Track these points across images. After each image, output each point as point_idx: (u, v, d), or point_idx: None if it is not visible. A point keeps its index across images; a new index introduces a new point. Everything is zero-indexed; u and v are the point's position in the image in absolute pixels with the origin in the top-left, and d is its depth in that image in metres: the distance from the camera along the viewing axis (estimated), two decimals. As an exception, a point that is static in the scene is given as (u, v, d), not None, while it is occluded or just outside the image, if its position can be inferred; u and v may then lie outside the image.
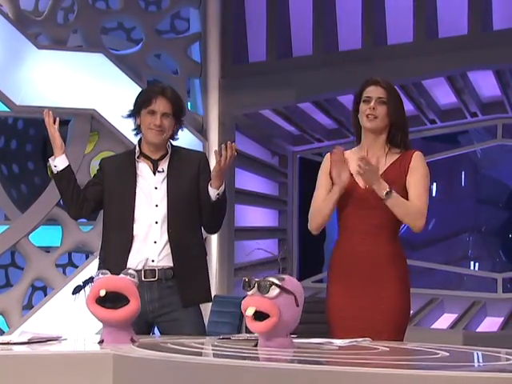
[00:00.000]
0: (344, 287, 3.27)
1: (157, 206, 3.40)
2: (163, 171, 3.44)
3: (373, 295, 3.22)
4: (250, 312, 2.44)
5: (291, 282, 2.50)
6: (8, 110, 6.43)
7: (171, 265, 3.37)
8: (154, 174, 3.44)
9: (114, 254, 3.37)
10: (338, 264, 3.32)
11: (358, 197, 3.26)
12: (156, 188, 3.42)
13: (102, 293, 2.71)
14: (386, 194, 3.17)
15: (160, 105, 3.40)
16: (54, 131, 3.44)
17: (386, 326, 3.19)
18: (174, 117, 3.44)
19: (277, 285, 2.44)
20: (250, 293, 2.48)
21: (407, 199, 3.25)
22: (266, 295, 2.44)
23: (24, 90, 6.37)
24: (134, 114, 3.47)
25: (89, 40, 6.72)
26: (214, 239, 6.79)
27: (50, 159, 3.45)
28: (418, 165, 3.28)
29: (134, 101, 3.50)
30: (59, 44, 6.59)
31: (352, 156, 3.35)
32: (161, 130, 3.40)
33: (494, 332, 6.74)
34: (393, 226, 3.27)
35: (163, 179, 3.43)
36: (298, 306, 2.48)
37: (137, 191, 3.40)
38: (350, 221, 3.29)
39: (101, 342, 2.75)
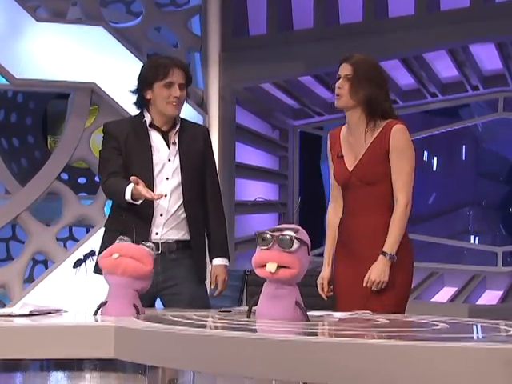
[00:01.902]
0: (347, 261, 3.31)
1: (167, 179, 3.38)
2: (175, 143, 3.41)
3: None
4: (272, 268, 2.41)
5: (303, 232, 2.51)
6: (7, 83, 6.40)
7: (175, 238, 3.37)
8: (168, 146, 3.40)
9: (135, 228, 3.25)
10: (341, 239, 3.38)
11: (345, 178, 3.31)
12: (169, 160, 3.39)
13: (116, 255, 2.72)
14: (390, 256, 3.20)
15: (177, 76, 3.36)
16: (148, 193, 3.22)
17: (386, 299, 3.21)
18: (186, 87, 3.43)
19: (297, 239, 2.44)
20: (265, 247, 2.46)
21: (389, 172, 3.24)
22: (288, 250, 2.44)
23: (23, 62, 6.34)
24: (145, 87, 3.39)
25: (88, 13, 6.68)
26: (214, 213, 6.79)
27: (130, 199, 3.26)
28: (397, 143, 3.22)
29: (141, 74, 3.41)
30: (58, 17, 6.55)
31: (344, 135, 3.35)
32: (180, 103, 3.37)
33: (494, 305, 6.78)
34: (384, 202, 3.27)
35: (176, 152, 3.40)
36: (309, 254, 2.51)
37: (153, 164, 3.37)
38: (345, 201, 3.37)
39: (104, 303, 2.76)
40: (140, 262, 2.77)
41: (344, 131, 3.37)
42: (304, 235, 2.50)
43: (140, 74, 3.43)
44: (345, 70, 3.27)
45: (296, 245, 2.43)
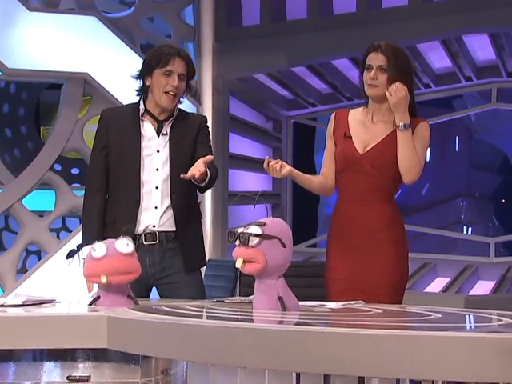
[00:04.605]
0: (342, 250, 3.27)
1: (157, 169, 3.35)
2: (166, 134, 3.37)
3: (370, 259, 3.22)
4: (238, 264, 2.51)
5: (273, 225, 2.52)
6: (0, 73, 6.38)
7: (173, 229, 3.35)
8: (158, 135, 3.38)
9: (123, 219, 3.28)
10: (336, 227, 3.33)
11: (353, 161, 3.26)
12: (158, 151, 3.36)
13: (104, 280, 2.70)
14: (404, 125, 3.16)
15: (177, 66, 3.33)
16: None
17: (384, 289, 3.20)
18: (187, 79, 3.39)
19: (255, 234, 2.47)
20: (236, 243, 2.53)
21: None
22: (249, 245, 2.48)
23: (16, 52, 6.31)
24: (144, 74, 3.37)
25: (81, 2, 6.65)
26: (207, 204, 6.80)
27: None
28: (421, 133, 3.26)
29: (144, 60, 3.40)
30: (51, 6, 6.52)
31: (357, 117, 3.33)
32: (176, 94, 3.34)
33: (487, 295, 6.81)
34: (387, 190, 3.26)
35: (166, 143, 3.36)
36: (284, 247, 2.51)
37: (141, 154, 3.34)
38: (345, 185, 3.30)
39: (97, 298, 2.76)
40: (129, 273, 2.75)
41: (356, 114, 3.34)
42: (273, 228, 2.50)
43: (144, 60, 3.43)
44: (377, 60, 3.24)
45: (255, 240, 2.47)
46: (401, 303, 3.22)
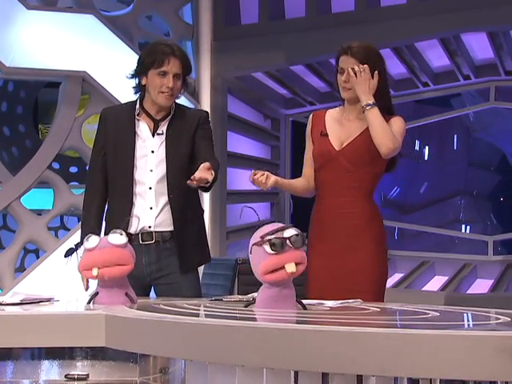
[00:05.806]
0: (322, 247, 3.29)
1: (151, 170, 3.34)
2: (162, 133, 3.35)
3: (350, 256, 3.24)
4: (293, 268, 2.45)
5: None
6: (-2, 71, 6.38)
7: (169, 229, 3.34)
8: (153, 135, 3.36)
9: (117, 219, 3.28)
10: (315, 225, 3.35)
11: (330, 158, 3.29)
12: (152, 152, 3.34)
13: (95, 272, 2.70)
14: (370, 104, 3.18)
15: (172, 66, 3.30)
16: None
17: (366, 286, 3.21)
18: (183, 77, 3.36)
19: (303, 235, 2.50)
20: (275, 251, 2.47)
21: (376, 159, 3.25)
22: (302, 247, 2.49)
23: (14, 51, 6.31)
24: (140, 73, 3.35)
25: (79, 1, 6.65)
26: (206, 202, 6.79)
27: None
28: (394, 122, 3.25)
29: (140, 58, 3.38)
30: (49, 5, 6.52)
31: (333, 116, 3.36)
32: (172, 94, 3.31)
33: (485, 294, 6.81)
34: (366, 186, 3.28)
35: (161, 143, 3.35)
36: None
37: (136, 154, 3.33)
38: (324, 183, 3.32)
39: (95, 294, 2.77)
40: (120, 265, 2.75)
41: (333, 113, 3.38)
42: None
43: (139, 58, 3.40)
44: (348, 63, 3.25)
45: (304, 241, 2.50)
46: (383, 300, 3.23)
